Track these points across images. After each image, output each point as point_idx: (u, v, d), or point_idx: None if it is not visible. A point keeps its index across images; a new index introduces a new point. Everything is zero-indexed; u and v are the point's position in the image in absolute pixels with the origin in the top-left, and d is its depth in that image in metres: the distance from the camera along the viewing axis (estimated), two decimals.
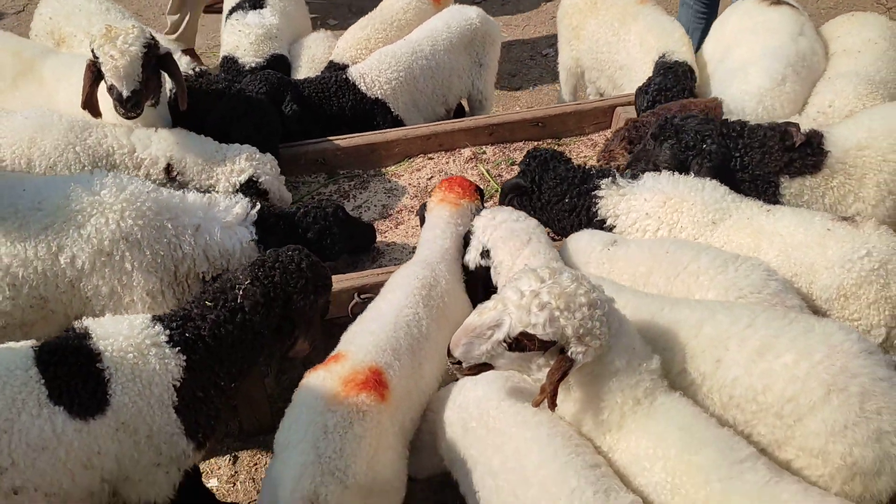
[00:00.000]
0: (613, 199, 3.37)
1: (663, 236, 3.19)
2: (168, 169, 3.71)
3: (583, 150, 4.58)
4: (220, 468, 3.64)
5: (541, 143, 4.63)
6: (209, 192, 3.51)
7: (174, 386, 2.64)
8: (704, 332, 2.44)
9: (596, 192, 3.42)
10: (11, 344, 2.64)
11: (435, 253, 3.15)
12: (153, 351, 2.63)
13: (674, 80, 4.20)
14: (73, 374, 2.54)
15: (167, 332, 2.68)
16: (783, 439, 2.29)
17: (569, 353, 2.22)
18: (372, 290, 3.43)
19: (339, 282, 3.43)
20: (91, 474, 2.56)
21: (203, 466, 3.61)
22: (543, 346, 2.23)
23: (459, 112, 5.28)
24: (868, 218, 3.01)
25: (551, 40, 7.88)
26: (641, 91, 4.29)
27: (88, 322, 2.70)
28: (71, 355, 2.58)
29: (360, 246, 3.81)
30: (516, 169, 4.39)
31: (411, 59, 4.61)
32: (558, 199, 3.53)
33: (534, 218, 3.25)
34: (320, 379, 2.58)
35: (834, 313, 2.87)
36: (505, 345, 2.26)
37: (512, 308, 2.22)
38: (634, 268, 2.96)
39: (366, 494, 2.47)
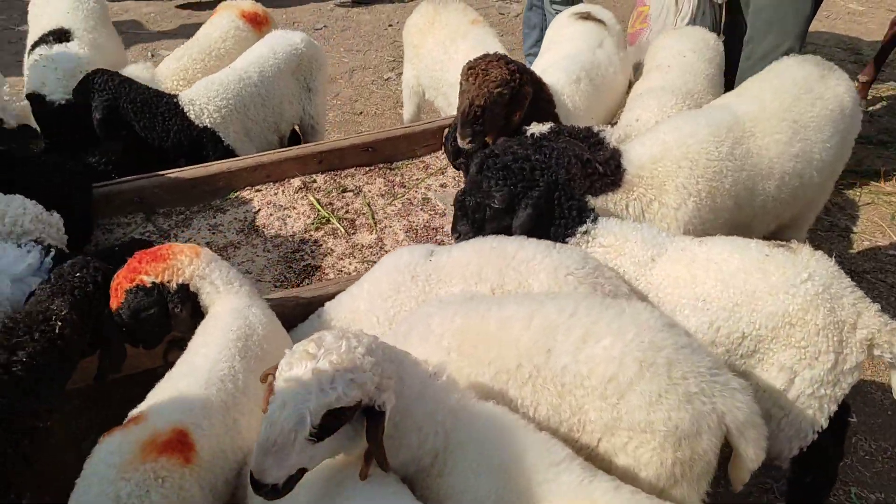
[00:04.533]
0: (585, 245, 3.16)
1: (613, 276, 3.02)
2: None
3: (415, 173, 4.51)
4: None
5: (373, 167, 4.54)
6: None
7: None
8: (535, 323, 2.44)
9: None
10: None
11: (241, 298, 2.84)
12: None
13: None
14: None
15: None
16: (612, 422, 2.32)
17: (376, 407, 2.04)
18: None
19: None
20: None
21: None
22: (351, 413, 2.03)
23: (294, 140, 5.11)
24: (802, 244, 2.92)
25: (393, 65, 7.89)
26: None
27: None
28: None
29: None
30: (347, 196, 4.31)
31: (240, 86, 4.41)
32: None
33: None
34: (116, 443, 2.31)
35: (780, 342, 2.75)
36: (314, 438, 1.98)
37: (307, 399, 1.95)
38: (464, 268, 2.92)
39: None
